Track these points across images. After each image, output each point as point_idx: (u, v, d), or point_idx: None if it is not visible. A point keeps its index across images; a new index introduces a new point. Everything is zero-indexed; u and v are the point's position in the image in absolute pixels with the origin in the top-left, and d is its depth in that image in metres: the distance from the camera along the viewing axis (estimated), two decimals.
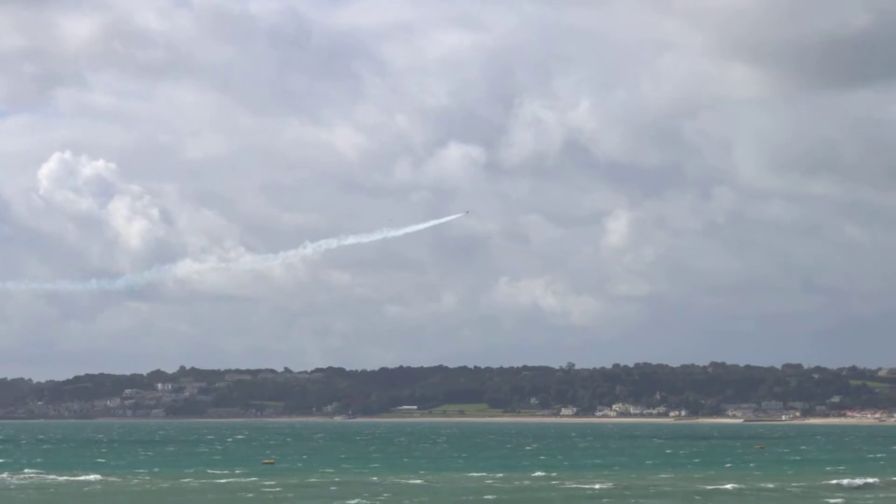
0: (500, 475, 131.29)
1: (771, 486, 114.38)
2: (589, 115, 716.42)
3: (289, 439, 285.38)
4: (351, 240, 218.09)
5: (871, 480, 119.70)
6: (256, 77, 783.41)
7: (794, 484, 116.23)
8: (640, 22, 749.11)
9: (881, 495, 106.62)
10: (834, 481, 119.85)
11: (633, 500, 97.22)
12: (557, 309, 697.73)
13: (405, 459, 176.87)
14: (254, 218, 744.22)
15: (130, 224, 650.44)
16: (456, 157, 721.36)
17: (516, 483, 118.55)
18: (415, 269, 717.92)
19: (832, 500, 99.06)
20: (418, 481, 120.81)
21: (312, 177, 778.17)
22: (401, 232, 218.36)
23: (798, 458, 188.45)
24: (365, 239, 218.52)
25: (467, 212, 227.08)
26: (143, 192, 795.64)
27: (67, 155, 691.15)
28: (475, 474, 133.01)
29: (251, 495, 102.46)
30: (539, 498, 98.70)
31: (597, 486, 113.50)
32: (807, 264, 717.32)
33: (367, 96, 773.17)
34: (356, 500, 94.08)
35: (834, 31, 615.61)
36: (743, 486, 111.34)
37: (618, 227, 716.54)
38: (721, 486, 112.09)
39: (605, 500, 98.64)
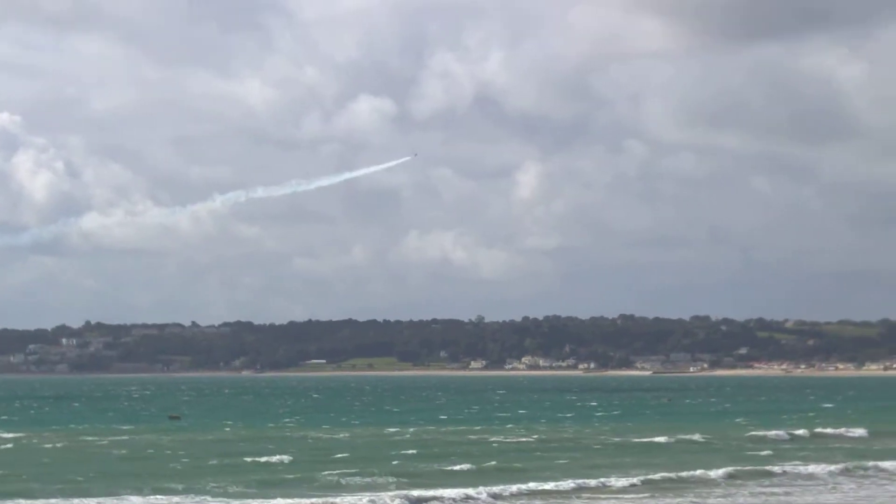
0: (414, 429, 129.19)
1: (696, 437, 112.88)
2: (499, 67, 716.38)
3: (195, 394, 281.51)
4: (260, 192, 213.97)
5: (797, 432, 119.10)
6: (164, 29, 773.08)
7: (707, 435, 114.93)
8: None
9: (804, 446, 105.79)
10: (757, 433, 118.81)
11: (540, 454, 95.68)
12: (467, 262, 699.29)
13: (316, 414, 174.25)
14: (161, 171, 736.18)
15: (35, 177, 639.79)
16: (366, 109, 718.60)
17: (430, 437, 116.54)
18: (325, 223, 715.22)
19: (751, 452, 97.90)
20: (328, 436, 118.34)
21: (221, 130, 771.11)
22: (312, 185, 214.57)
23: (713, 409, 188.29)
24: (275, 192, 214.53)
25: (415, 154, 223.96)
26: (48, 145, 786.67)
27: None
28: (391, 429, 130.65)
29: (155, 451, 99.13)
30: (459, 452, 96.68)
31: (521, 439, 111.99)
32: (715, 217, 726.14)
33: (275, 48, 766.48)
34: (267, 458, 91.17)
35: None
36: (658, 440, 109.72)
37: (528, 180, 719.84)
38: (633, 440, 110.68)
39: (513, 452, 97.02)
